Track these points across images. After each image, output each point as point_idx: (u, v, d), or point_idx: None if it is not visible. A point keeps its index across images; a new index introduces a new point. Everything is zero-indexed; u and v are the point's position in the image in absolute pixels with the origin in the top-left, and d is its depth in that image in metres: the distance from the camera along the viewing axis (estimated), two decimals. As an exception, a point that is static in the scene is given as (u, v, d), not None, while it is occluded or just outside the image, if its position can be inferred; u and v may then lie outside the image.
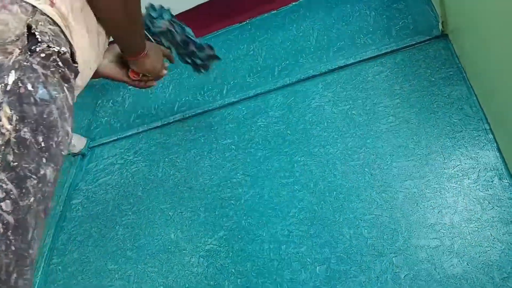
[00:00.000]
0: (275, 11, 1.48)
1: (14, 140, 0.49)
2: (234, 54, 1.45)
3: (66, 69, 0.59)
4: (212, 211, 1.11)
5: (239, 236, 1.03)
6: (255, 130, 1.22)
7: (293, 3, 1.46)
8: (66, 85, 0.59)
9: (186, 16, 1.55)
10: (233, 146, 1.22)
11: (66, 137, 0.58)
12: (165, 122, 1.40)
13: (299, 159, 1.09)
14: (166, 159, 1.31)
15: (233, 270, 0.98)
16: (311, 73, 1.24)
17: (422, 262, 0.82)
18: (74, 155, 1.47)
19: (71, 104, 0.60)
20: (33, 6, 0.55)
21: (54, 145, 0.54)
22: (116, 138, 1.46)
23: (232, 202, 1.10)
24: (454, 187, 0.87)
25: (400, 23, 1.20)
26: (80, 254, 1.22)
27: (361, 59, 1.18)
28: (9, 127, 0.48)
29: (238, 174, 1.15)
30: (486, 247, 0.78)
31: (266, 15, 1.49)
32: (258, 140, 1.19)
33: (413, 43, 1.14)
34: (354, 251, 0.88)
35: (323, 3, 1.39)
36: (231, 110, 1.31)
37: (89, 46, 0.67)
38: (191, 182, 1.21)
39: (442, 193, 0.87)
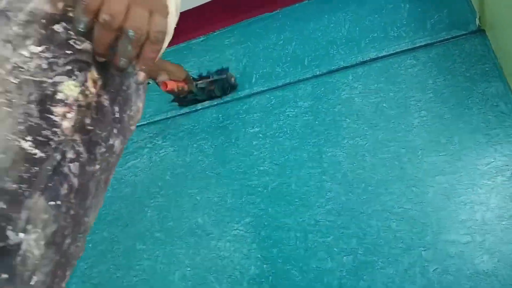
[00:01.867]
0: (307, 0, 1.48)
1: (95, 104, 0.49)
2: (264, 43, 1.46)
3: None
4: (239, 197, 1.13)
5: (266, 223, 1.05)
6: (283, 120, 1.23)
7: (325, -7, 1.45)
8: None
9: (220, 3, 1.56)
10: (260, 135, 1.23)
11: (137, 113, 0.58)
12: (193, 109, 1.42)
13: (327, 150, 1.09)
14: (194, 145, 1.33)
15: (259, 256, 1.00)
16: (341, 64, 1.23)
17: (452, 257, 0.82)
18: (104, 137, 1.50)
19: (146, 83, 0.60)
20: None
21: (126, 118, 0.55)
22: (145, 122, 1.48)
23: (259, 189, 1.12)
24: (487, 184, 0.86)
25: (436, 16, 1.18)
26: (109, 234, 1.26)
27: (394, 51, 1.17)
28: (93, 90, 0.49)
29: (265, 163, 1.16)
30: (518, 245, 0.78)
31: (297, 4, 1.48)
32: (286, 129, 1.20)
33: (449, 37, 1.12)
34: (382, 243, 0.89)
35: (356, -6, 1.38)
36: (259, 99, 1.32)
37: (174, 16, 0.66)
38: (219, 169, 1.23)
39: (474, 189, 0.87)
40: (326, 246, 0.94)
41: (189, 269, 1.07)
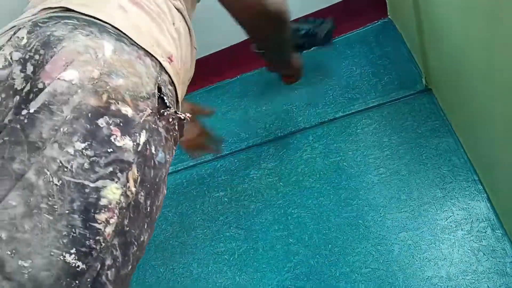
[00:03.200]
0: (265, 67, 1.54)
1: (133, 203, 0.47)
2: (225, 107, 1.49)
3: (178, 133, 0.59)
4: (205, 267, 1.09)
5: (234, 293, 1.00)
6: (248, 182, 1.22)
7: (282, 59, 1.52)
8: (175, 148, 0.60)
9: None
10: (225, 199, 1.22)
11: (162, 201, 0.57)
12: (157, 175, 1.40)
13: (292, 211, 1.09)
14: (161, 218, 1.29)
15: (227, 330, 0.95)
16: (301, 125, 1.27)
17: (422, 317, 0.80)
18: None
19: (168, 167, 0.59)
20: (159, 62, 0.56)
21: (155, 209, 0.53)
22: (106, 191, 1.44)
23: (226, 257, 1.08)
24: (449, 239, 0.87)
25: (385, 78, 1.25)
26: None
27: (349, 112, 1.22)
28: (133, 190, 0.46)
29: (231, 228, 1.14)
30: (485, 300, 0.77)
31: (257, 71, 1.54)
32: (251, 192, 1.19)
33: (399, 97, 1.18)
34: (352, 307, 0.87)
35: (311, 60, 1.45)
36: (223, 162, 1.32)
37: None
38: (183, 237, 1.19)
39: (437, 244, 0.88)
40: (296, 314, 0.90)
41: None
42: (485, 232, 0.85)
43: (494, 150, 0.85)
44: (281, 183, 1.17)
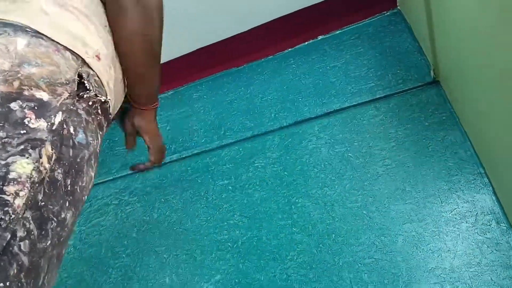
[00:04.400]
0: (272, 56, 1.53)
1: (48, 179, 0.48)
2: (231, 96, 1.48)
3: (103, 117, 0.61)
4: (208, 253, 1.09)
5: (236, 280, 1.01)
6: (253, 171, 1.22)
7: (289, 49, 1.51)
8: (100, 132, 0.62)
9: (187, 59, 1.59)
10: (230, 187, 1.22)
11: (89, 184, 0.58)
12: (162, 163, 1.40)
13: (297, 200, 1.09)
14: (162, 199, 1.30)
15: (230, 316, 0.96)
16: (307, 115, 1.26)
17: (424, 308, 0.80)
18: (68, 194, 1.45)
19: (98, 151, 0.61)
20: (83, 59, 0.58)
21: (78, 190, 0.54)
22: (111, 178, 1.45)
23: (229, 244, 1.09)
24: (453, 231, 0.87)
25: (393, 69, 1.24)
26: (70, 299, 1.17)
27: (356, 103, 1.22)
28: (47, 166, 0.48)
29: (235, 216, 1.14)
30: (487, 292, 0.77)
31: (263, 60, 1.53)
32: (255, 181, 1.20)
33: (406, 88, 1.18)
34: (355, 296, 0.87)
35: (319, 50, 1.44)
36: (228, 151, 1.33)
37: (117, 96, 0.70)
38: (187, 224, 1.19)
39: (441, 236, 0.88)
40: (298, 302, 0.91)
41: (155, 334, 1.00)
42: (489, 225, 0.85)
43: (501, 143, 0.84)
44: (285, 173, 1.17)
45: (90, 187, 0.60)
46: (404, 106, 1.15)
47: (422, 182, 0.97)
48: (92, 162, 0.60)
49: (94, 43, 0.61)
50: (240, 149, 1.31)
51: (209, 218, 1.17)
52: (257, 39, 1.55)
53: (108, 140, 1.62)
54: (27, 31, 0.53)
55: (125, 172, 1.44)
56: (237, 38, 1.55)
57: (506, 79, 0.69)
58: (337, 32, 1.45)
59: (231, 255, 1.06)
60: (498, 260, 0.80)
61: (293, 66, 1.45)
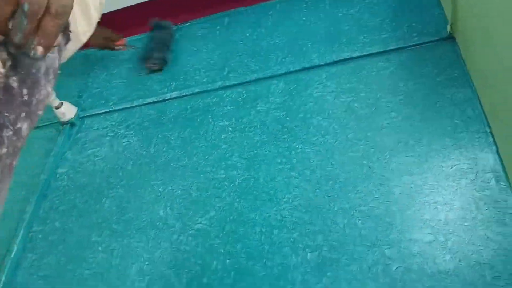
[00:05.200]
0: (283, -2, 1.46)
1: (2, 85, 0.47)
2: (238, 36, 1.43)
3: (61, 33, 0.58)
4: (204, 190, 1.09)
5: (231, 218, 1.02)
6: (254, 115, 1.20)
7: (302, -8, 1.44)
8: (57, 47, 0.58)
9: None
10: (230, 129, 1.20)
11: (46, 98, 0.57)
12: (161, 99, 1.37)
13: (297, 146, 1.08)
14: (160, 135, 1.28)
15: (222, 251, 0.97)
16: (316, 62, 1.23)
17: (415, 255, 0.82)
18: (63, 123, 1.42)
19: (57, 66, 0.58)
20: None
21: (34, 102, 0.52)
22: (108, 110, 1.42)
23: (226, 183, 1.09)
24: (452, 186, 0.88)
25: (409, 22, 1.20)
26: (62, 224, 1.18)
27: (367, 53, 1.18)
28: (2, 70, 0.46)
29: (233, 157, 1.13)
30: (479, 246, 0.79)
31: (275, 0, 1.47)
32: (256, 124, 1.18)
33: (420, 42, 1.14)
34: (347, 241, 0.88)
35: (332, -5, 1.38)
36: (230, 92, 1.30)
37: (81, 16, 0.66)
38: (185, 160, 1.18)
39: (439, 190, 0.88)
40: (291, 242, 0.92)
41: (147, 263, 1.02)
42: (489, 182, 0.85)
43: (509, 103, 0.82)
44: (288, 118, 1.15)
45: (46, 102, 0.59)
46: (417, 60, 1.11)
47: (427, 136, 0.97)
48: (51, 77, 0.57)
49: None
50: (243, 92, 1.28)
51: (207, 157, 1.16)
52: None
53: (105, 72, 1.57)
54: None
55: (123, 106, 1.41)
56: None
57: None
58: (354, -22, 1.38)
59: (227, 194, 1.06)
60: (493, 217, 0.81)
61: (305, 10, 1.39)
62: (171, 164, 1.19)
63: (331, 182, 0.98)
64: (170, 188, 1.14)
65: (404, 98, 1.05)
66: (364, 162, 0.98)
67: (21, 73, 0.49)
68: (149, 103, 1.38)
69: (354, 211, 0.92)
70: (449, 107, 0.99)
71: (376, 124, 1.03)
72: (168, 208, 1.10)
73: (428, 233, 0.84)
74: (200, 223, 1.04)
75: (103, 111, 1.43)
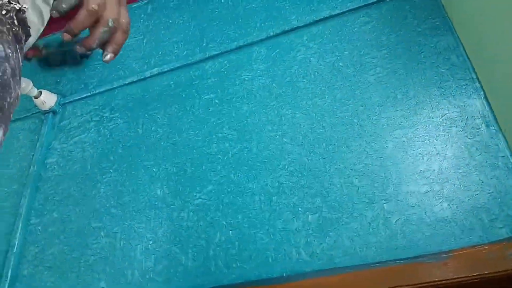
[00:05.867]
0: None
1: None
2: (213, 4, 1.39)
3: (20, 29, 0.56)
4: (199, 166, 1.09)
5: (229, 190, 1.02)
6: (239, 84, 1.19)
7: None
8: (18, 45, 0.56)
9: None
10: (216, 101, 1.19)
11: (16, 100, 0.56)
12: (142, 77, 1.34)
13: (286, 112, 1.08)
14: (146, 115, 1.26)
15: (224, 223, 0.98)
16: (295, 24, 1.20)
17: (413, 207, 0.84)
18: (45, 112, 1.39)
19: (21, 65, 0.57)
20: None
21: (6, 106, 0.51)
22: (89, 94, 1.38)
23: (219, 156, 1.08)
24: (442, 135, 0.89)
25: (386, -28, 1.17)
26: (60, 214, 1.17)
27: (347, 9, 1.16)
28: None
29: (224, 129, 1.13)
30: (474, 191, 0.81)
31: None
32: (242, 94, 1.16)
33: (399, -7, 1.12)
34: (346, 200, 0.90)
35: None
36: (212, 64, 1.27)
37: (33, 11, 0.63)
38: (175, 138, 1.17)
39: (431, 141, 0.90)
40: (291, 207, 0.94)
41: (151, 242, 1.03)
42: (479, 128, 0.87)
43: (495, 46, 0.83)
44: (274, 85, 1.14)
45: (17, 103, 0.58)
46: (397, 11, 1.10)
47: (414, 89, 0.97)
48: (17, 78, 0.56)
49: None
50: (225, 62, 1.25)
51: (197, 132, 1.15)
52: None
53: (79, 54, 1.52)
54: None
55: (103, 88, 1.37)
56: None
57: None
58: None
59: (222, 166, 1.06)
60: (486, 161, 0.83)
61: (279, -30, 1.35)
62: (161, 143, 1.18)
63: (324, 144, 0.99)
64: (164, 167, 1.13)
65: (388, 52, 1.05)
66: (355, 120, 0.99)
67: None
68: (130, 83, 1.35)
69: (350, 170, 0.93)
70: (433, 56, 0.99)
71: (363, 81, 1.03)
72: (165, 187, 1.10)
73: (424, 184, 0.86)
74: (199, 198, 1.04)
75: (84, 95, 1.39)
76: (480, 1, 0.85)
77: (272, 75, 1.16)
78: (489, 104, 0.88)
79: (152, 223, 1.05)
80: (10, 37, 0.52)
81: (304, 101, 1.07)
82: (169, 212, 1.05)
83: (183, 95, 1.24)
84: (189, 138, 1.15)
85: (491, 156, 0.83)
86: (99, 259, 1.06)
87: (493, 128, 0.85)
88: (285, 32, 1.21)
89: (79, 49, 0.57)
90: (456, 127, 0.89)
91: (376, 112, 0.98)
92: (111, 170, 1.19)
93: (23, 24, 0.56)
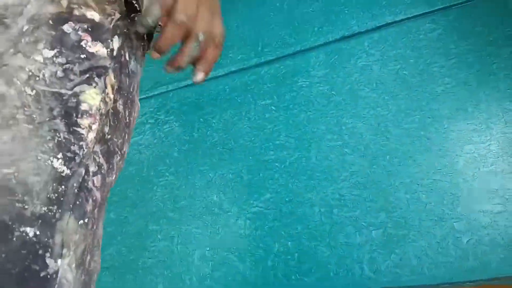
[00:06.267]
0: None
1: (112, 111, 0.46)
2: (268, 7, 1.38)
3: (146, 43, 0.56)
4: (255, 173, 1.09)
5: (287, 199, 1.02)
6: (296, 91, 1.17)
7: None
8: (143, 58, 0.57)
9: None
10: (273, 107, 1.18)
11: (138, 112, 0.56)
12: (196, 80, 1.35)
13: (347, 121, 1.06)
14: (201, 119, 1.27)
15: (282, 233, 0.98)
16: (356, 29, 1.18)
17: (485, 227, 0.81)
18: (102, 113, 1.42)
19: (139, 78, 0.58)
20: None
21: (132, 121, 0.52)
22: (145, 96, 1.41)
23: (277, 164, 1.08)
24: (519, 153, 0.85)
25: (454, -24, 1.13)
26: (117, 215, 1.20)
27: (412, 15, 1.12)
28: (112, 96, 0.45)
29: (281, 136, 1.12)
30: (556, 214, 0.77)
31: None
32: (300, 101, 1.15)
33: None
34: (412, 216, 0.88)
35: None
36: (268, 69, 1.26)
37: None
38: (230, 144, 1.18)
39: (505, 158, 0.85)
40: (353, 221, 0.92)
41: (208, 248, 1.04)
42: (560, 147, 0.82)
43: None
44: (333, 92, 1.12)
45: (137, 116, 0.58)
46: (465, 19, 1.05)
47: (486, 101, 0.93)
48: (138, 91, 0.57)
49: None
50: (281, 67, 1.24)
51: (253, 138, 1.15)
52: None
53: (135, 57, 1.55)
54: None
55: (158, 91, 1.39)
56: None
57: None
58: None
59: (280, 175, 1.06)
60: None
61: (337, -27, 1.32)
62: (217, 148, 1.18)
63: (387, 156, 0.96)
64: (220, 172, 1.14)
65: (457, 61, 1.01)
66: (422, 133, 0.96)
67: (124, 95, 0.48)
68: (185, 86, 1.36)
69: (417, 185, 0.90)
70: (507, 68, 0.94)
71: (430, 91, 1.00)
72: (221, 193, 1.10)
73: (497, 203, 0.82)
74: (256, 206, 1.04)
75: (140, 97, 1.42)
76: None
77: (331, 82, 1.14)
78: None
79: (209, 229, 1.06)
80: (140, 52, 0.54)
81: (366, 110, 1.05)
82: (226, 219, 1.06)
83: (239, 100, 1.24)
84: (245, 144, 1.15)
85: None
86: (157, 262, 1.08)
87: None
88: (344, 38, 1.19)
89: (168, 69, 0.51)
90: (535, 144, 0.84)
91: (444, 125, 0.94)
92: (167, 174, 1.21)
93: (149, 39, 0.58)
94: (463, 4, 1.07)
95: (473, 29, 1.03)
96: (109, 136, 0.46)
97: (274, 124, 1.15)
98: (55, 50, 0.42)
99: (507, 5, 1.02)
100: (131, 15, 0.50)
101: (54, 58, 0.42)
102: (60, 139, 0.40)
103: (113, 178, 0.48)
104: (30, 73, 0.41)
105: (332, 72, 1.15)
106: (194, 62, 0.52)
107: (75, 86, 0.42)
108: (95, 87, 0.43)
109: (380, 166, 0.96)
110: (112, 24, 0.46)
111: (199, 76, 0.51)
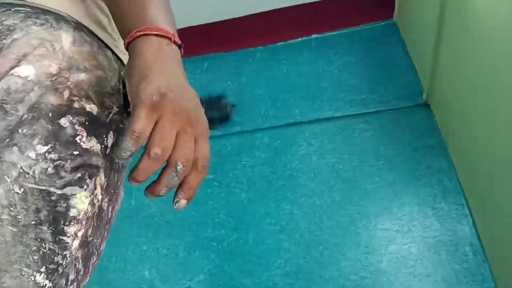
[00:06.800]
0: (262, 47, 1.49)
1: (97, 210, 0.44)
2: (220, 86, 1.44)
3: None
4: (192, 251, 1.09)
5: (221, 282, 1.02)
6: (240, 169, 1.21)
7: (281, 43, 1.47)
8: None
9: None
10: (215, 183, 1.20)
11: (119, 205, 0.53)
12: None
13: (285, 206, 1.11)
14: (141, 186, 1.25)
15: (214, 318, 0.97)
16: (299, 118, 1.27)
17: (404, 327, 0.87)
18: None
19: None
20: (120, 58, 0.52)
21: (114, 214, 0.50)
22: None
23: (214, 243, 1.09)
24: (434, 257, 0.95)
25: (386, 84, 1.27)
26: None
27: (348, 114, 1.24)
28: (100, 197, 0.44)
29: (221, 214, 1.14)
30: (463, 320, 0.86)
31: (251, 49, 1.49)
32: (242, 180, 1.19)
33: (397, 107, 1.22)
34: (340, 310, 0.92)
35: (311, 49, 1.43)
36: (213, 144, 1.29)
37: None
38: (169, 216, 1.17)
39: (423, 262, 0.95)
40: (284, 311, 0.95)
41: (134, 330, 0.99)
42: (467, 256, 0.93)
43: (486, 177, 0.91)
44: (274, 176, 1.17)
45: (118, 207, 0.56)
46: (395, 124, 1.19)
47: (409, 205, 1.03)
48: (124, 179, 0.55)
49: (117, 33, 0.54)
50: (227, 144, 1.28)
51: (193, 213, 1.15)
52: (248, 27, 1.50)
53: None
54: (68, 21, 0.47)
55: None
56: (226, 24, 1.49)
57: (500, 124, 0.75)
58: (331, 33, 1.44)
59: (216, 255, 1.06)
60: (473, 291, 0.88)
61: (284, 61, 1.43)
62: (155, 219, 1.17)
63: (320, 247, 1.02)
64: (155, 246, 1.12)
65: (386, 163, 1.12)
66: (352, 227, 1.03)
67: (111, 192, 0.46)
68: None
69: (344, 279, 0.96)
70: (428, 176, 1.07)
71: (361, 188, 1.09)
72: (154, 269, 1.08)
73: (415, 304, 0.90)
74: (189, 287, 1.03)
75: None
76: (476, 131, 0.93)
77: (273, 165, 1.20)
78: (477, 232, 0.95)
79: (137, 308, 1.02)
80: None
81: (303, 198, 1.11)
82: (157, 298, 1.03)
83: (181, 171, 1.25)
84: (185, 218, 1.15)
85: (477, 285, 0.88)
86: None
87: (479, 257, 0.92)
88: (288, 125, 1.27)
89: (148, 196, 0.48)
90: (447, 251, 0.95)
91: (372, 223, 1.03)
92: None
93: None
94: (393, 110, 1.21)
95: (401, 134, 1.16)
96: (90, 239, 0.44)
97: (216, 201, 1.16)
98: (49, 146, 0.41)
99: (432, 118, 1.17)
100: (128, 110, 0.50)
101: (47, 154, 0.40)
102: (45, 250, 0.38)
103: (87, 281, 0.46)
104: (21, 170, 0.39)
105: (274, 156, 1.21)
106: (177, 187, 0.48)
107: (65, 185, 0.41)
108: (85, 189, 0.42)
109: (313, 257, 1.01)
110: (108, 119, 0.46)
111: (180, 203, 0.47)
